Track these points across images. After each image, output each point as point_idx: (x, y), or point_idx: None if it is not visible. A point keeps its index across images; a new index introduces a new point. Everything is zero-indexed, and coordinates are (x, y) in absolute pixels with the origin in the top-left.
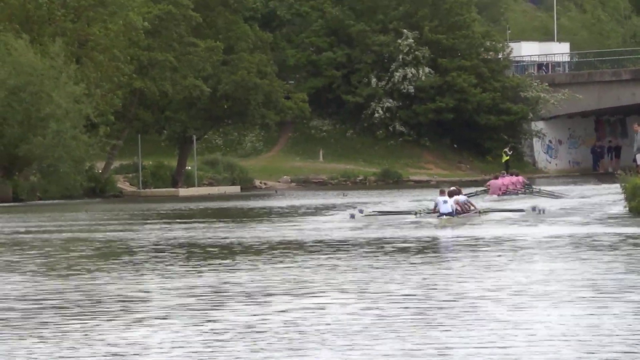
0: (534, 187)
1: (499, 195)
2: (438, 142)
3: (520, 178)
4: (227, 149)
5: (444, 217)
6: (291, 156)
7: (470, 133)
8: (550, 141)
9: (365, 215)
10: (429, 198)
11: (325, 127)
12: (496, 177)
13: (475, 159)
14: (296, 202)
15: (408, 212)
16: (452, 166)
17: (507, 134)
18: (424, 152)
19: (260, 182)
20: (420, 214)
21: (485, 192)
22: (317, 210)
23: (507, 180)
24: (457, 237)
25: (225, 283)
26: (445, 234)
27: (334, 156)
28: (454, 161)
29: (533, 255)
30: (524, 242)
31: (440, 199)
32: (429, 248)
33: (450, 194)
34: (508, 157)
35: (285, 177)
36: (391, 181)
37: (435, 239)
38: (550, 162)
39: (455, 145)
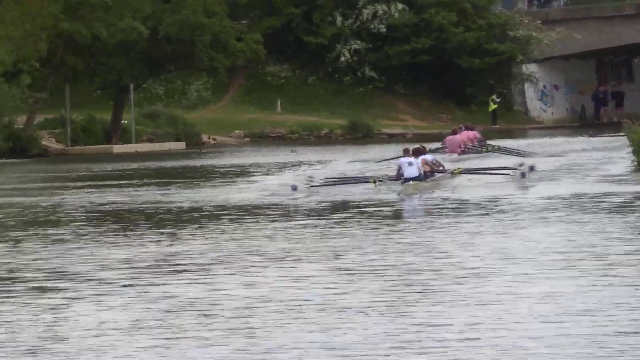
0: (492, 143)
1: (458, 154)
2: (414, 89)
3: (476, 132)
4: (170, 99)
5: (410, 182)
6: (244, 107)
7: (451, 78)
8: (544, 87)
9: (312, 187)
10: (388, 155)
11: (284, 73)
12: (454, 132)
13: (458, 108)
14: (247, 160)
15: (365, 180)
16: (431, 117)
17: (493, 79)
18: (398, 101)
19: (209, 138)
20: (379, 182)
21: (443, 150)
22: (270, 170)
23: (464, 135)
24: (432, 201)
25: (172, 254)
26: (416, 200)
27: (293, 106)
28: (433, 111)
29: (525, 220)
30: (513, 206)
31: (405, 160)
32: (402, 214)
33: (416, 153)
34: (496, 106)
35: (237, 131)
36: (360, 135)
37: (408, 203)
38: (545, 111)
39: (433, 93)
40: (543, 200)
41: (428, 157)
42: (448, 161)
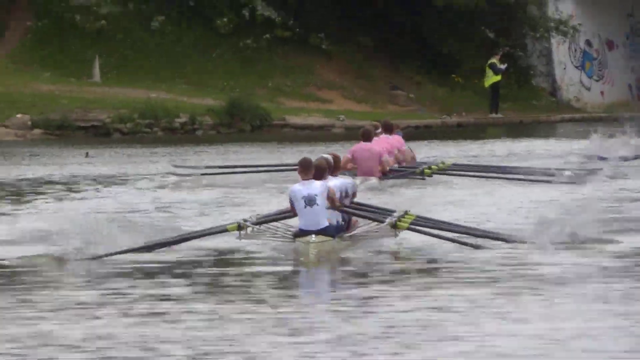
0: (439, 161)
1: (379, 177)
2: (347, 44)
3: (400, 140)
4: None
5: (312, 238)
6: (32, 70)
7: (416, 25)
8: (588, 43)
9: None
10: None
11: (106, 9)
12: (366, 137)
13: (428, 79)
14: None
15: (218, 230)
16: (379, 94)
17: (495, 29)
18: (317, 65)
19: None
20: (247, 227)
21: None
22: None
23: (386, 142)
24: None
25: None
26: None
27: (125, 72)
28: (381, 84)
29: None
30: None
31: (300, 190)
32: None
33: (319, 173)
34: (498, 77)
35: (19, 115)
36: (247, 126)
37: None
38: (588, 89)
39: (382, 52)
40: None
41: (346, 182)
42: (365, 192)
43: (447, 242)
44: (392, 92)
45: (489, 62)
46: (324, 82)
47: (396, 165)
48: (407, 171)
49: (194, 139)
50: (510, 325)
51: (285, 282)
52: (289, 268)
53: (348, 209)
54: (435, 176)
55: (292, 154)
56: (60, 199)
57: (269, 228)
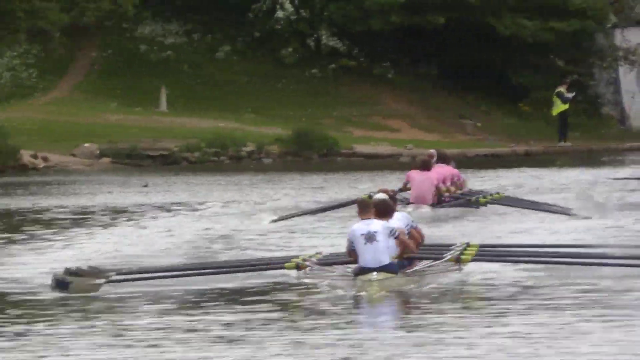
0: (485, 193)
1: (432, 205)
2: (413, 74)
3: (454, 170)
4: None
5: (374, 275)
6: (99, 101)
7: (482, 56)
8: None
9: (130, 279)
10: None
11: (171, 40)
12: (425, 166)
13: (496, 107)
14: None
15: (277, 263)
16: (446, 123)
17: (562, 58)
18: (383, 94)
19: (35, 156)
20: (307, 265)
21: (403, 197)
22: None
23: (441, 171)
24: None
25: None
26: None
27: (192, 102)
28: (448, 113)
29: None
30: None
31: (360, 228)
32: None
33: (381, 211)
34: (567, 106)
35: (87, 145)
36: (314, 154)
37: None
38: None
39: (448, 82)
40: None
41: (402, 219)
42: (417, 219)
43: (513, 268)
44: (460, 120)
45: (557, 90)
46: (391, 112)
47: (448, 194)
48: (461, 199)
49: (261, 167)
50: (594, 350)
51: (354, 311)
52: (354, 300)
53: (412, 255)
54: (489, 206)
55: (362, 182)
56: (131, 225)
57: (324, 264)
